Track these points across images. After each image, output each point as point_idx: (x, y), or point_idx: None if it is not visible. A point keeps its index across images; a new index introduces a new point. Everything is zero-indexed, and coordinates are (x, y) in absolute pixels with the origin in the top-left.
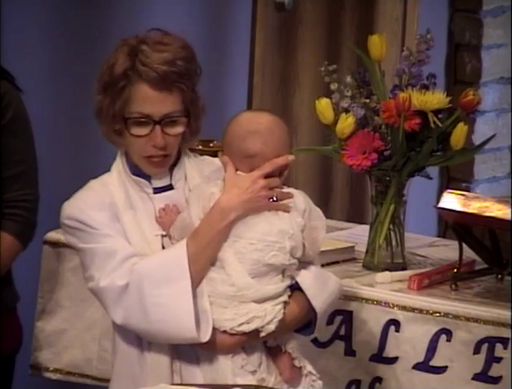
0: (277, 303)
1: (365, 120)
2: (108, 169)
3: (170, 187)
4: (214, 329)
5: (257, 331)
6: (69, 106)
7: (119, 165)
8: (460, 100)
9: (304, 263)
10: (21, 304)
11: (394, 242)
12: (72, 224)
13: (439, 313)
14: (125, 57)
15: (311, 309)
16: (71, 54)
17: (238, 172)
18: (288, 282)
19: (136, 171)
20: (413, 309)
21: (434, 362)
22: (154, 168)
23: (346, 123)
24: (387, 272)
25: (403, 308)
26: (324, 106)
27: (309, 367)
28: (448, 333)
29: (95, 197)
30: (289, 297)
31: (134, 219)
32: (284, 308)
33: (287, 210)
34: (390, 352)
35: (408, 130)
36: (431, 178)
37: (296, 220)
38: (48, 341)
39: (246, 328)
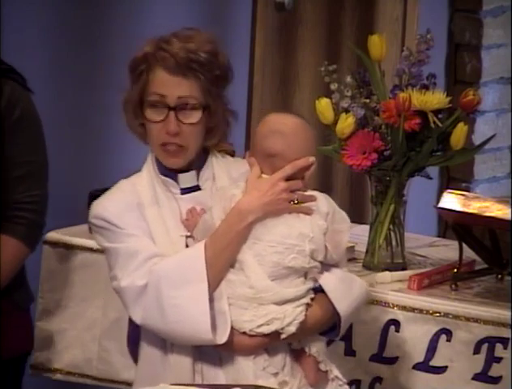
0: (298, 305)
1: (365, 120)
2: (108, 169)
3: (197, 188)
4: (233, 330)
5: (277, 333)
6: (69, 106)
7: (149, 165)
8: (460, 100)
9: (328, 266)
10: None
11: (394, 242)
12: (99, 223)
13: (439, 313)
14: (150, 44)
15: (335, 312)
16: (71, 54)
17: (262, 174)
18: (310, 285)
19: (164, 171)
20: (413, 309)
21: (434, 362)
22: (170, 159)
23: (346, 123)
24: (387, 272)
25: (403, 308)
26: (324, 106)
27: (335, 371)
28: (448, 333)
29: (123, 197)
30: (312, 299)
31: (160, 218)
32: (306, 310)
33: (308, 212)
34: (390, 352)
35: (408, 130)
36: (431, 178)
37: (317, 223)
38: (48, 341)
39: (266, 330)
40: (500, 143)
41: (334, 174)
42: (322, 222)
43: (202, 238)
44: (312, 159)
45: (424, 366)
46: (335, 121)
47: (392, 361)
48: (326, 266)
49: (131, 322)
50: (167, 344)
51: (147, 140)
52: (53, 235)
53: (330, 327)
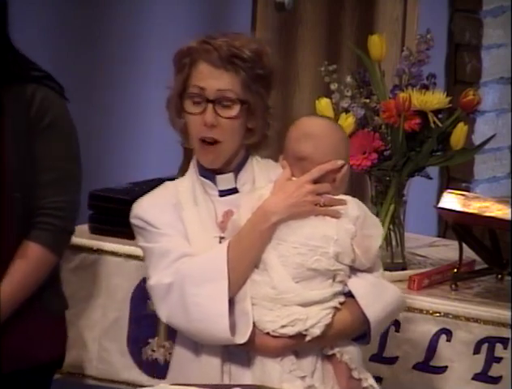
0: (324, 308)
1: (365, 120)
2: (108, 169)
3: (235, 190)
4: (257, 331)
5: (303, 336)
6: (69, 106)
7: (192, 167)
8: (460, 100)
9: (360, 272)
10: None
11: (394, 242)
12: (137, 222)
13: (439, 313)
14: (196, 39)
15: (365, 318)
16: (71, 54)
17: (293, 177)
18: (338, 288)
19: (203, 172)
20: (413, 309)
21: (434, 362)
22: (206, 155)
23: (346, 123)
24: (387, 272)
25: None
26: (324, 106)
27: (370, 380)
28: (448, 333)
29: (161, 197)
30: (342, 304)
31: (197, 218)
32: (334, 314)
33: (334, 216)
34: (390, 352)
35: (408, 130)
36: (431, 178)
37: (344, 227)
38: None
39: (289, 331)
40: (500, 143)
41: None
42: (350, 226)
43: (230, 238)
44: (340, 162)
45: (424, 366)
46: (335, 122)
47: (392, 361)
48: (357, 271)
49: (131, 322)
50: (198, 344)
51: (188, 138)
52: None
53: (361, 334)
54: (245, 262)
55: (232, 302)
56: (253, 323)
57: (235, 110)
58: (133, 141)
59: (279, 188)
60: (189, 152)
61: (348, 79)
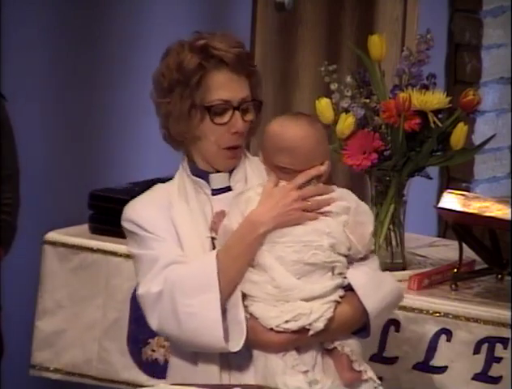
0: (326, 302)
1: (365, 120)
2: (108, 169)
3: (229, 189)
4: (261, 327)
5: (306, 330)
6: (69, 106)
7: (182, 170)
8: (460, 100)
9: (358, 264)
10: (21, 304)
11: (394, 242)
12: (129, 226)
13: (439, 313)
14: (192, 52)
15: (365, 310)
16: (71, 54)
17: (280, 181)
18: (338, 281)
19: (196, 172)
20: (413, 309)
21: (434, 362)
22: (230, 160)
23: (346, 123)
24: (387, 272)
25: (403, 308)
26: (324, 106)
27: (370, 373)
28: (448, 333)
29: (154, 200)
30: (342, 297)
31: (189, 219)
32: (335, 308)
33: (321, 217)
34: (390, 352)
35: (408, 130)
36: (431, 178)
37: (336, 220)
38: (48, 341)
39: (293, 326)
40: (500, 143)
41: (335, 174)
42: (342, 216)
43: (222, 244)
44: (323, 167)
45: (424, 366)
46: (335, 121)
47: (392, 361)
48: (355, 264)
49: (131, 322)
50: None
51: (193, 148)
52: (53, 235)
53: (362, 327)
54: (233, 271)
55: (224, 311)
56: (247, 328)
57: (252, 113)
58: (133, 141)
59: (266, 196)
60: None
61: (348, 79)
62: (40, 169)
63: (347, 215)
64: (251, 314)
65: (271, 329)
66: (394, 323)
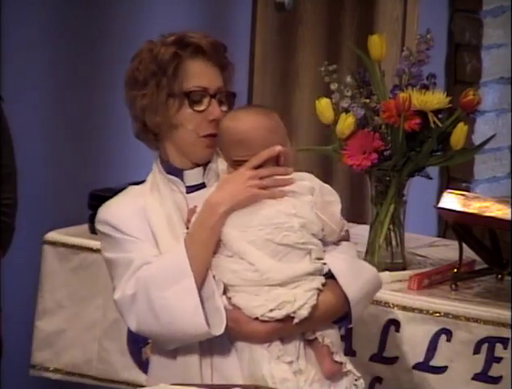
0: (309, 289)
1: (365, 120)
2: (108, 167)
3: (203, 185)
4: (245, 317)
5: (290, 319)
6: (69, 106)
7: (155, 169)
8: (460, 100)
9: (336, 251)
10: (21, 304)
11: (394, 242)
12: (104, 229)
13: (439, 313)
14: (166, 45)
15: (346, 298)
16: (71, 54)
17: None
18: (317, 265)
19: (170, 170)
20: (413, 309)
21: (434, 362)
22: (207, 149)
23: (346, 123)
24: (387, 272)
25: (403, 308)
26: (324, 106)
27: (349, 366)
28: (448, 333)
29: (128, 201)
30: (324, 285)
31: (164, 217)
32: (318, 295)
33: (281, 196)
34: (390, 352)
35: (408, 130)
36: (431, 178)
37: (300, 199)
38: (48, 341)
39: (277, 314)
40: (500, 143)
41: (334, 174)
42: (307, 197)
43: None
44: (278, 148)
45: (424, 366)
46: (335, 121)
47: (392, 361)
48: (333, 251)
49: None
50: None
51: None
52: (53, 235)
53: (343, 316)
54: (202, 257)
55: (201, 300)
56: (227, 317)
57: (226, 104)
58: (133, 141)
59: (223, 182)
60: None
61: (348, 79)
62: (40, 169)
63: (313, 196)
64: (234, 306)
65: (256, 319)
66: (394, 323)
